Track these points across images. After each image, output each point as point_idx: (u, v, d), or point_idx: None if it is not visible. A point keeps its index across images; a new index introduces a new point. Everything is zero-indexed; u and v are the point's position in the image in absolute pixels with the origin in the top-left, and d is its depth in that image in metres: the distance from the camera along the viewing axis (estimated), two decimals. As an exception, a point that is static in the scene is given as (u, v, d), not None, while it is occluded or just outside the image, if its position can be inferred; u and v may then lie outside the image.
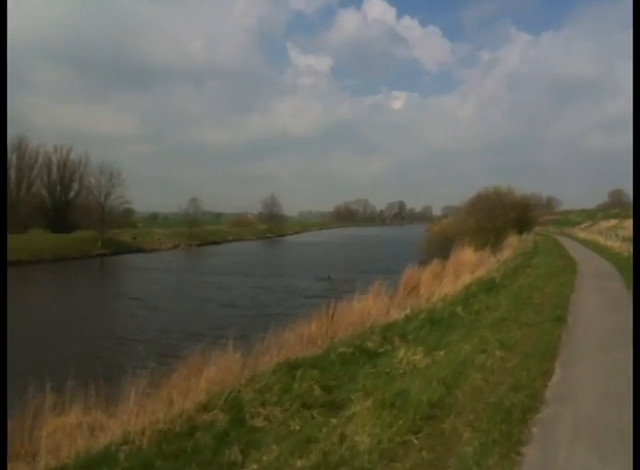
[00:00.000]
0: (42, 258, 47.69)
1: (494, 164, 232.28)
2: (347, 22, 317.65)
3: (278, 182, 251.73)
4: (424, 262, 37.66)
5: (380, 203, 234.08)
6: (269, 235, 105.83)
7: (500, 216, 52.16)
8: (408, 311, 11.10)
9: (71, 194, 76.89)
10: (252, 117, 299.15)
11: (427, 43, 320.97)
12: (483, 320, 9.78)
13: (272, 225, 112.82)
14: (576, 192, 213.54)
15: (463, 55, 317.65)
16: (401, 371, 6.27)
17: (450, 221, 67.01)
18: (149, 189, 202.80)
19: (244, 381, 5.86)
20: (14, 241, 50.35)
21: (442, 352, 7.12)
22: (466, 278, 19.75)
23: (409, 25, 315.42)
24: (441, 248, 44.20)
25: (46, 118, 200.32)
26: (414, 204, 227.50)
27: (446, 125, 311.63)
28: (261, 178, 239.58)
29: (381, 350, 7.24)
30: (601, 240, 39.46)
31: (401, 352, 6.87)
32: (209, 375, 6.38)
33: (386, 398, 5.06)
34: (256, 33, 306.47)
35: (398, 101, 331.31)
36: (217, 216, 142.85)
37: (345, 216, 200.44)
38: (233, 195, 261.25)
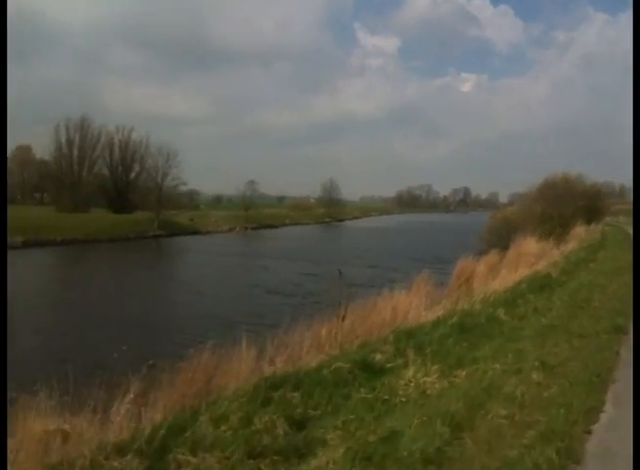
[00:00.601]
0: (98, 237, 48.29)
1: (567, 149, 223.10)
2: (417, 0, 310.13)
3: (342, 166, 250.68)
4: (484, 252, 36.08)
5: (444, 188, 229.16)
6: (327, 220, 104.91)
7: (568, 205, 49.32)
8: (441, 313, 9.72)
9: (132, 175, 78.05)
10: (319, 98, 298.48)
11: (498, 23, 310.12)
12: (527, 328, 8.32)
13: (331, 210, 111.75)
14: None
15: (536, 35, 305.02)
16: (404, 399, 4.99)
17: (515, 209, 63.84)
18: (215, 171, 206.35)
19: (204, 404, 4.73)
20: (72, 220, 51.43)
21: (464, 373, 5.77)
22: (523, 271, 18.06)
23: (480, 4, 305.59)
24: (503, 237, 41.58)
25: (117, 100, 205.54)
26: (480, 190, 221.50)
27: (517, 108, 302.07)
28: (326, 162, 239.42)
29: (388, 365, 5.94)
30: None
31: (410, 372, 5.57)
32: (172, 392, 5.32)
33: (366, 443, 3.82)
34: (325, 13, 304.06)
35: (467, 83, 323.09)
36: (280, 200, 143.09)
37: (408, 202, 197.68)
38: (297, 178, 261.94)
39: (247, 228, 69.78)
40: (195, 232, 62.17)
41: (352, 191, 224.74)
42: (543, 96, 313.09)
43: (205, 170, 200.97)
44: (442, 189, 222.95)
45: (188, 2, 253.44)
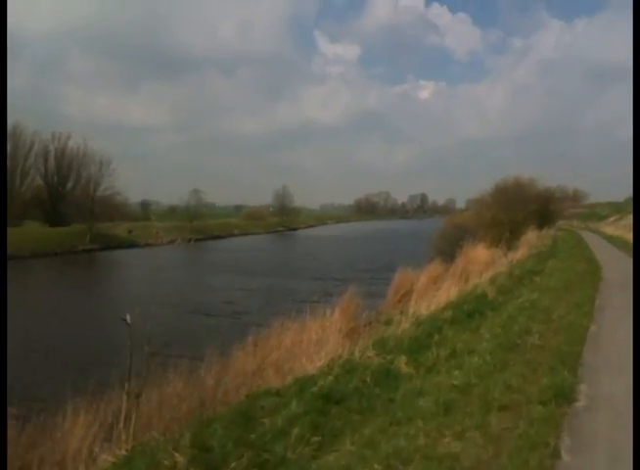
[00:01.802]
0: (19, 253, 44.21)
1: (525, 154, 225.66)
2: (377, 8, 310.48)
3: (304, 173, 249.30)
4: (434, 260, 34.10)
5: (402, 195, 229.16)
6: (280, 229, 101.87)
7: (520, 209, 47.70)
8: (323, 362, 6.94)
9: (69, 185, 73.55)
10: (281, 105, 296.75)
11: (456, 30, 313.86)
12: (430, 392, 5.57)
13: (284, 218, 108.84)
14: (607, 184, 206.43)
15: (493, 42, 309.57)
16: None
17: (467, 214, 62.11)
18: (174, 180, 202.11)
19: None
20: (-9, 235, 47.12)
21: None
22: (462, 287, 15.51)
23: (439, 12, 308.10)
24: (454, 244, 39.06)
25: (77, 108, 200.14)
26: (439, 196, 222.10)
27: (476, 114, 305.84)
28: (288, 169, 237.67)
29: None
30: (629, 237, 34.63)
31: None
32: None
33: None
34: (286, 20, 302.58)
35: (426, 90, 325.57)
36: (238, 209, 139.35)
37: (366, 209, 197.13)
38: (260, 186, 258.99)
39: (190, 240, 66.08)
40: (132, 245, 58.42)
41: (313, 199, 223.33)
42: (501, 102, 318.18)
43: (163, 179, 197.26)
44: (401, 196, 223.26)
45: (148, 9, 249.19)
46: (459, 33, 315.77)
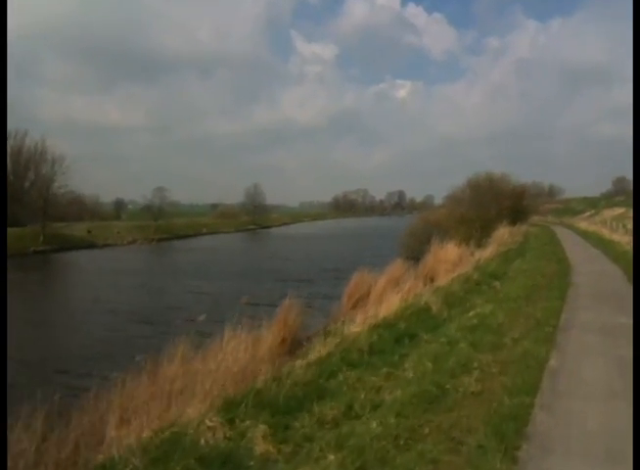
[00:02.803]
0: (-39, 257, 41.18)
1: (502, 153, 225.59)
2: (354, 8, 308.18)
3: (283, 172, 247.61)
4: (404, 258, 32.20)
5: (381, 193, 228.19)
6: (252, 227, 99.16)
7: (492, 205, 45.96)
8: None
9: (27, 184, 70.20)
10: (259, 106, 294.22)
11: (432, 31, 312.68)
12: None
13: (256, 217, 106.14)
14: (583, 182, 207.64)
15: (469, 42, 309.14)
16: None
17: (439, 211, 60.01)
18: (154, 180, 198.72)
19: None
20: None
21: None
22: (404, 296, 13.35)
23: (415, 12, 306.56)
24: (424, 241, 36.79)
25: (51, 111, 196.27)
26: (419, 194, 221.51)
27: (453, 114, 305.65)
28: (267, 168, 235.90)
29: None
30: (605, 232, 32.88)
31: None
32: None
33: None
34: (263, 21, 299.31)
35: (403, 90, 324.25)
36: (214, 207, 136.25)
37: (344, 207, 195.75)
38: (238, 185, 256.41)
39: (152, 240, 63.18)
40: (90, 246, 55.32)
41: (292, 197, 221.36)
42: (478, 102, 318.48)
43: (141, 180, 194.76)
44: (379, 194, 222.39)
45: (124, 11, 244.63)
46: (435, 33, 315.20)
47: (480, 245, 32.68)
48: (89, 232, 60.36)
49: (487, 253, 26.25)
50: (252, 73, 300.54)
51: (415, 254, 30.74)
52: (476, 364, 6.16)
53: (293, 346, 13.39)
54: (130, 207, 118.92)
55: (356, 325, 9.65)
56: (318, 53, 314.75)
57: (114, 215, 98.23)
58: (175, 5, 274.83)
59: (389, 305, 11.15)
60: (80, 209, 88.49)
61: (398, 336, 7.70)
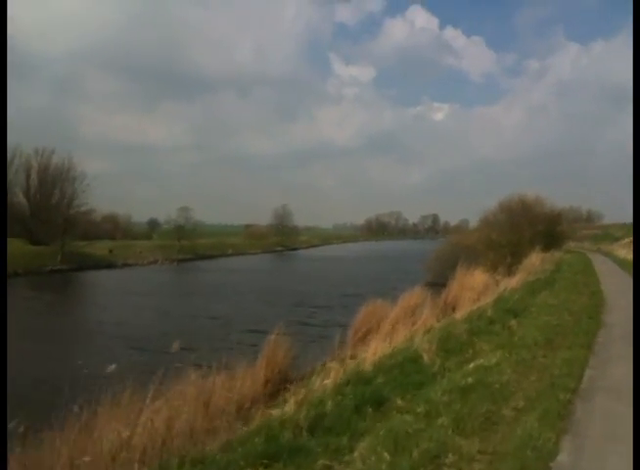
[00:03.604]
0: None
1: (541, 175, 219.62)
2: (392, 30, 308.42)
3: (318, 192, 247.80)
4: (429, 284, 30.21)
5: (414, 216, 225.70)
6: (279, 249, 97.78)
7: (525, 229, 43.59)
8: None
9: (53, 201, 70.16)
10: (297, 126, 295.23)
11: (470, 53, 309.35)
12: None
13: (284, 238, 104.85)
14: (623, 205, 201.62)
15: (509, 64, 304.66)
16: None
17: (469, 235, 57.33)
18: (192, 198, 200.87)
19: None
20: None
21: None
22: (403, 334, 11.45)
23: (453, 35, 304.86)
24: (452, 267, 34.64)
25: (93, 129, 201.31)
26: (454, 217, 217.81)
27: (491, 135, 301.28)
28: (302, 188, 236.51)
29: None
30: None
31: None
32: None
33: None
34: (303, 42, 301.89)
35: (440, 112, 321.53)
36: (248, 227, 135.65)
37: (377, 229, 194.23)
38: (273, 205, 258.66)
39: (174, 260, 62.04)
40: (109, 265, 54.46)
41: (326, 218, 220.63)
42: (517, 123, 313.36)
43: (179, 198, 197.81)
44: (413, 217, 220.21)
45: (166, 31, 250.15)
46: (473, 56, 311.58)
47: (510, 272, 30.58)
48: (110, 251, 59.70)
49: (514, 281, 24.16)
50: (291, 93, 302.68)
51: (441, 279, 28.82)
52: (451, 458, 4.26)
53: (276, 388, 11.62)
54: (166, 227, 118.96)
55: (331, 375, 7.79)
56: (356, 75, 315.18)
57: (147, 235, 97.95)
58: (217, 26, 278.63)
59: (377, 348, 9.24)
60: (113, 228, 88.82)
61: (363, 400, 5.81)
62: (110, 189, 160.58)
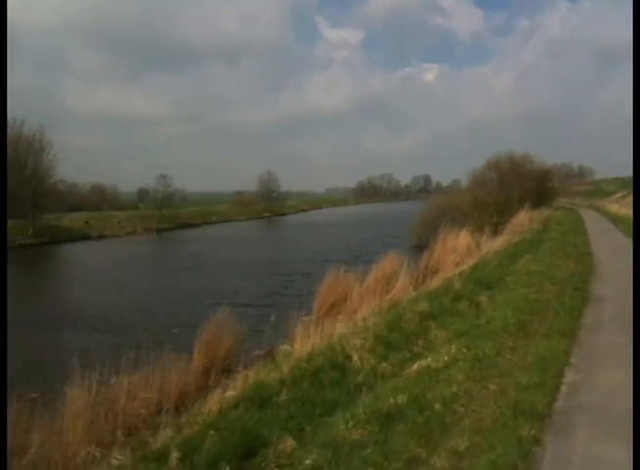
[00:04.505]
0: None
1: (533, 135, 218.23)
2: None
3: (310, 158, 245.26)
4: (418, 247, 28.00)
5: (407, 178, 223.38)
6: (266, 215, 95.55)
7: (513, 187, 41.84)
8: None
9: (27, 173, 67.56)
10: (286, 93, 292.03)
11: (459, 12, 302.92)
12: None
13: (271, 204, 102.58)
14: (614, 162, 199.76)
15: (497, 23, 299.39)
16: None
17: (456, 195, 55.19)
18: (181, 169, 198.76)
19: None
20: None
21: None
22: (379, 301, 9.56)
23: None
24: (436, 229, 32.78)
25: (79, 102, 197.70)
26: (447, 178, 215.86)
27: (482, 96, 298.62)
28: (293, 155, 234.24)
29: None
30: (640, 216, 28.37)
31: None
32: None
33: None
34: (289, 8, 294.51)
35: (430, 73, 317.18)
36: (239, 193, 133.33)
37: (369, 192, 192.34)
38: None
39: (153, 230, 59.80)
40: (84, 237, 52.28)
41: (318, 183, 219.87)
42: (508, 83, 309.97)
43: (168, 169, 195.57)
44: (405, 178, 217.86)
45: (149, 1, 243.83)
46: (462, 15, 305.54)
47: (496, 232, 28.93)
48: (86, 223, 57.34)
49: (499, 243, 22.47)
50: (278, 61, 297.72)
51: (427, 242, 27.14)
52: None
53: (217, 379, 9.79)
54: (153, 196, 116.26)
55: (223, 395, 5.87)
56: (344, 37, 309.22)
57: (134, 205, 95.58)
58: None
59: (306, 342, 7.29)
60: (100, 199, 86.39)
61: (231, 446, 3.90)
62: (97, 162, 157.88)
